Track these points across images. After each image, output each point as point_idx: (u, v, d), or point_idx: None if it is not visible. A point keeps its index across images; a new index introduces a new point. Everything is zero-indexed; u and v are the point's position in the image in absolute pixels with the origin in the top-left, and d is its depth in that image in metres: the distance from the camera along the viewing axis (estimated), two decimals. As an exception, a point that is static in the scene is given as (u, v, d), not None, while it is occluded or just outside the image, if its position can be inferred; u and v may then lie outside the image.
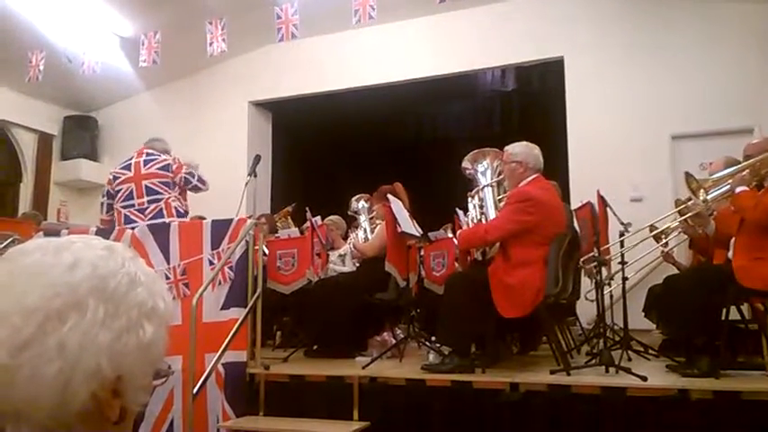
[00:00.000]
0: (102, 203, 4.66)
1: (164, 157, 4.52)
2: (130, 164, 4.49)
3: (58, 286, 0.66)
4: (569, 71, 7.07)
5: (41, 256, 0.69)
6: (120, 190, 4.44)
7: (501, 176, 4.12)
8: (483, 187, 4.22)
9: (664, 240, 4.96)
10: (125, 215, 4.36)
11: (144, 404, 0.73)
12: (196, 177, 4.53)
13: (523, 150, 3.83)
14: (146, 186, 4.36)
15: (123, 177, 4.46)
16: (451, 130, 8.83)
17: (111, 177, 4.54)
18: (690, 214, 3.98)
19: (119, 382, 0.68)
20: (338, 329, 4.57)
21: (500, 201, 4.09)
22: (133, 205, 4.35)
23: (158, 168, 4.42)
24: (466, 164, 4.29)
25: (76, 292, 0.67)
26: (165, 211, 4.31)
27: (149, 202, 4.34)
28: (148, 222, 4.20)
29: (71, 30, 7.12)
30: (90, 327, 0.66)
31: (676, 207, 4.64)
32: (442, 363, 3.56)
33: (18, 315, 0.64)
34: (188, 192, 4.62)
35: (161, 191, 4.37)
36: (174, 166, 4.46)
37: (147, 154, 4.52)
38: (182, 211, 4.41)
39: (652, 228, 4.99)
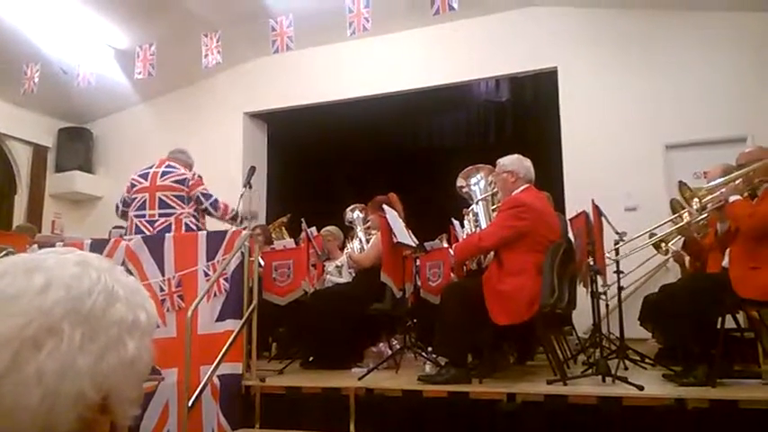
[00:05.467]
0: (116, 206, 4.63)
1: (182, 171, 4.47)
2: (149, 173, 4.45)
3: (30, 312, 0.64)
4: (563, 81, 7.11)
5: (11, 280, 0.66)
6: (135, 198, 4.41)
7: (494, 190, 4.15)
8: (477, 201, 4.24)
9: (664, 248, 4.96)
10: (136, 225, 4.33)
11: (136, 415, 0.72)
12: (211, 200, 4.44)
13: (514, 161, 3.89)
14: (159, 198, 4.33)
15: (139, 186, 4.42)
16: (446, 141, 8.86)
17: (129, 185, 4.49)
18: (701, 218, 3.96)
19: (106, 400, 0.67)
20: (334, 341, 4.55)
21: (493, 211, 4.11)
22: (144, 216, 4.32)
23: (174, 182, 4.38)
24: (460, 182, 4.33)
25: (50, 317, 0.64)
26: (173, 226, 4.28)
27: (160, 215, 4.31)
28: (155, 235, 4.16)
29: (66, 42, 7.13)
30: (67, 352, 0.64)
31: (671, 208, 4.66)
32: (439, 373, 3.55)
33: None
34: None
35: (173, 205, 4.33)
36: (191, 182, 4.42)
37: (168, 165, 4.48)
38: (193, 227, 4.34)
39: (651, 235, 4.99)
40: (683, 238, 4.53)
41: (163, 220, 4.29)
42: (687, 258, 4.88)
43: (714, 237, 3.91)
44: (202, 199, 4.43)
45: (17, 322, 0.63)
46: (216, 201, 4.49)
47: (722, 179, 3.55)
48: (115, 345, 0.68)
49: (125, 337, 0.69)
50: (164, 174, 4.42)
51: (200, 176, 4.53)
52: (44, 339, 0.64)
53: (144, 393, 0.74)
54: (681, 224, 4.30)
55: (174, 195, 4.35)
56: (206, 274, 3.84)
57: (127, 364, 0.69)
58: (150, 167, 4.50)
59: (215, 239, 3.92)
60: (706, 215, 3.88)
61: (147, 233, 4.21)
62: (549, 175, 6.37)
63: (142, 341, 0.71)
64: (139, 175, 4.48)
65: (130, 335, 0.70)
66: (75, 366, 0.64)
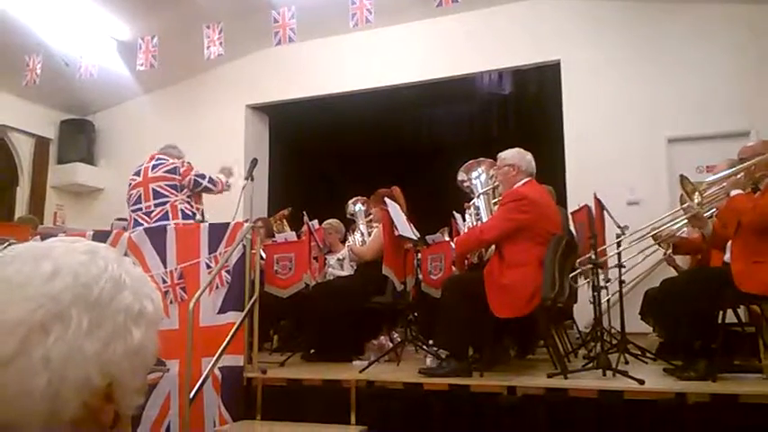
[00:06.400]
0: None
1: (172, 160, 4.53)
2: (141, 169, 4.52)
3: (39, 298, 0.64)
4: (566, 74, 7.09)
5: (20, 266, 0.67)
6: (131, 195, 4.48)
7: (495, 183, 4.15)
8: (478, 195, 4.24)
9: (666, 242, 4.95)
10: (134, 219, 4.39)
11: (138, 406, 0.72)
12: (207, 179, 4.53)
13: (516, 155, 3.88)
14: (153, 189, 4.39)
15: (134, 183, 4.50)
16: (449, 134, 8.86)
17: (128, 185, 4.57)
18: (687, 215, 3.97)
19: (110, 388, 0.67)
20: (335, 333, 4.56)
21: (495, 205, 4.10)
22: (141, 209, 4.38)
23: (165, 171, 4.44)
24: (461, 176, 4.33)
25: (59, 303, 0.65)
26: (170, 214, 4.33)
27: (155, 205, 4.36)
28: (153, 225, 4.21)
29: (68, 34, 7.12)
30: (75, 338, 0.65)
31: (681, 203, 4.65)
32: (440, 366, 3.55)
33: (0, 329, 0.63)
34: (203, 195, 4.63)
35: (167, 194, 4.39)
36: (182, 170, 4.47)
37: (157, 159, 4.54)
38: (188, 213, 4.40)
39: (653, 230, 4.98)
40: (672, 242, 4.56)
41: (159, 209, 4.35)
42: (680, 258, 4.89)
43: (703, 239, 3.91)
44: (200, 180, 4.49)
45: (26, 308, 0.64)
46: (211, 177, 4.59)
47: (723, 173, 3.54)
48: (121, 332, 0.69)
49: (131, 326, 0.70)
50: (154, 166, 4.48)
51: (189, 163, 4.58)
52: (52, 325, 0.64)
53: (147, 384, 0.75)
54: (688, 213, 4.27)
55: (166, 185, 4.41)
56: (208, 267, 3.85)
57: (132, 353, 0.69)
58: (141, 164, 4.57)
59: (217, 232, 3.92)
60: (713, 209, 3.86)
61: (146, 225, 4.24)
62: (552, 169, 6.37)
63: (148, 331, 0.72)
64: (134, 174, 4.56)
65: (137, 324, 0.70)
66: (82, 352, 0.65)
